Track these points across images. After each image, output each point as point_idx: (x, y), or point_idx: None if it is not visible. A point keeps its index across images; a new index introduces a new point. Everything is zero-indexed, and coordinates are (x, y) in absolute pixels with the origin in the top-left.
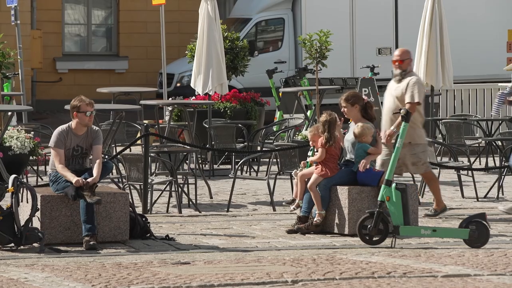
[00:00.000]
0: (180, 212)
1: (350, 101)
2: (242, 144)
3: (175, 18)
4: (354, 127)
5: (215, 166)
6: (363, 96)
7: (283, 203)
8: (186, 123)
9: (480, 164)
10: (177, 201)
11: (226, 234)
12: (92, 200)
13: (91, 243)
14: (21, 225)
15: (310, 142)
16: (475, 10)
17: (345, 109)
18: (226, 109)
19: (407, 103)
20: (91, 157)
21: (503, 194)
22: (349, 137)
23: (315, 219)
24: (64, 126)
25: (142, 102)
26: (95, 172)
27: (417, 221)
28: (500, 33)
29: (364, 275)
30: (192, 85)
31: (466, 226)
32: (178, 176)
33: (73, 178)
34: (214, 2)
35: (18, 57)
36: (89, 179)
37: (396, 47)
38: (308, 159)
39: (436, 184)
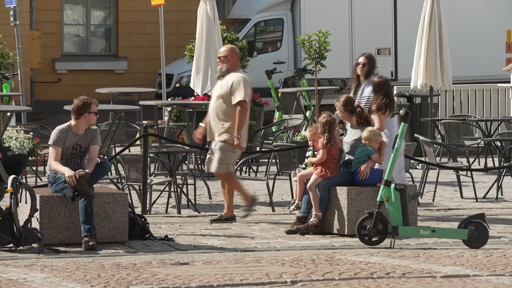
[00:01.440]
0: (179, 212)
1: (347, 104)
2: None
3: (174, 18)
4: (364, 131)
5: None
6: (357, 101)
7: (289, 207)
8: (185, 123)
9: (479, 164)
10: (176, 202)
11: (225, 235)
12: (87, 189)
13: (90, 243)
14: (20, 225)
15: (310, 142)
16: (475, 11)
17: (342, 114)
18: None
19: (237, 102)
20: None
21: (502, 195)
22: (348, 139)
23: (311, 220)
24: (63, 125)
25: (141, 102)
26: (88, 168)
27: (416, 221)
28: (499, 34)
29: (363, 275)
30: (191, 85)
31: (465, 227)
32: (177, 177)
33: (67, 172)
34: (213, 2)
35: (17, 57)
36: (80, 171)
37: (395, 47)
38: (306, 160)
39: (233, 187)
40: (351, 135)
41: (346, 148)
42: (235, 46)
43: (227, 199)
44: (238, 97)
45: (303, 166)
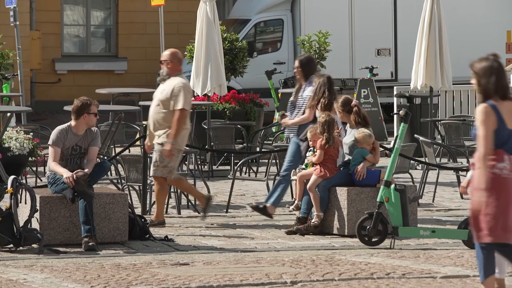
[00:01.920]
0: (179, 213)
1: (348, 104)
2: (241, 145)
3: (174, 19)
4: (356, 132)
5: (214, 167)
6: (354, 101)
7: (289, 208)
8: None
9: None
10: (176, 202)
11: (225, 235)
12: (86, 189)
13: (90, 244)
14: (20, 226)
15: (310, 143)
16: (475, 11)
17: (341, 115)
18: (225, 110)
19: (177, 109)
20: None
21: None
22: (347, 140)
23: (313, 221)
24: (64, 126)
25: (141, 103)
26: (87, 169)
27: (416, 222)
28: (499, 34)
29: (363, 276)
30: (190, 86)
31: (465, 227)
32: None
33: (65, 173)
34: (213, 3)
35: (17, 58)
36: (79, 171)
37: (395, 48)
38: (307, 159)
39: (165, 195)
40: (350, 135)
41: (345, 148)
42: (177, 51)
43: (157, 206)
44: (178, 104)
45: (303, 166)
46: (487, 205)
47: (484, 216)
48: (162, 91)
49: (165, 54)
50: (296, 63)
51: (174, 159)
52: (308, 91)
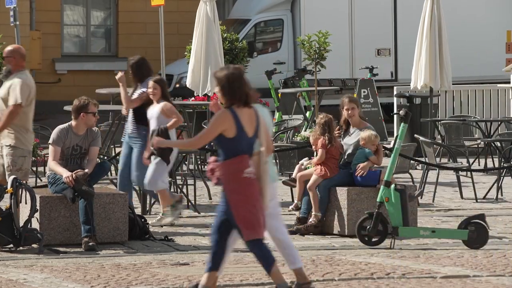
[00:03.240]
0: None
1: (357, 101)
2: None
3: (174, 19)
4: (362, 131)
5: None
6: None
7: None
8: (185, 124)
9: (479, 165)
10: None
11: None
12: (86, 188)
13: (90, 244)
14: (20, 226)
15: (313, 147)
16: (475, 11)
17: (353, 110)
18: None
19: (11, 105)
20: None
21: (502, 195)
22: (350, 141)
23: (310, 220)
24: (64, 125)
25: None
26: (87, 168)
27: (416, 222)
28: (499, 34)
29: (363, 276)
30: (188, 85)
31: (465, 227)
32: (177, 177)
33: (64, 173)
34: (213, 3)
35: None
36: (79, 171)
37: (395, 48)
38: (311, 162)
39: None
40: (354, 135)
41: (350, 149)
42: (20, 46)
43: None
44: (11, 100)
45: (307, 166)
46: (242, 206)
47: (244, 216)
48: (3, 87)
49: (7, 50)
50: (128, 66)
51: (26, 161)
52: (140, 91)
